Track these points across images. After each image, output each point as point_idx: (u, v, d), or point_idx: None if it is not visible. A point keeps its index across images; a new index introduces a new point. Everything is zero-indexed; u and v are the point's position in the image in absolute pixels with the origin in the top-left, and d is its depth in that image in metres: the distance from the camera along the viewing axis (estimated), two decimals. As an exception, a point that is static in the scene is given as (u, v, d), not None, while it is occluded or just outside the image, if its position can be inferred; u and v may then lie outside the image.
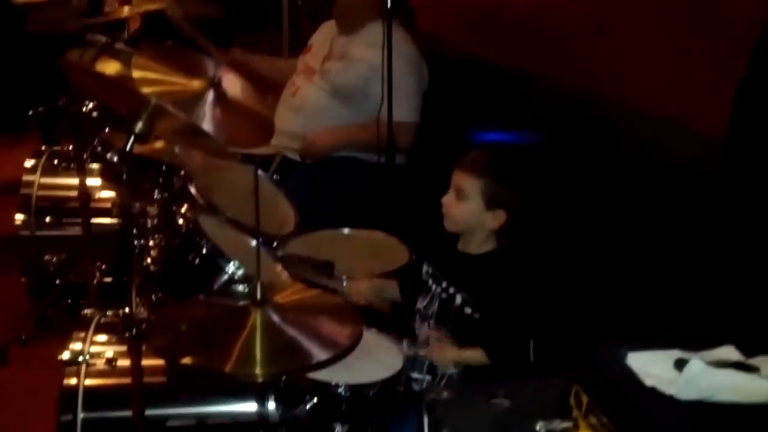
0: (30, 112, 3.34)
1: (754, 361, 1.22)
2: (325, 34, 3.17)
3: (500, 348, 1.82)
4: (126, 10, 3.28)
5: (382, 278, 2.12)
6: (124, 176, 1.56)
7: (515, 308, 1.83)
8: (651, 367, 1.20)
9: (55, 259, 2.90)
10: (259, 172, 1.77)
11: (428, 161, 2.80)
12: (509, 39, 2.93)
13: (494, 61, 2.95)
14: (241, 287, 1.79)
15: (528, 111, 2.66)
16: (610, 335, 1.38)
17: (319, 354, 1.44)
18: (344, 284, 2.07)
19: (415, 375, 1.90)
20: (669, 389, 1.15)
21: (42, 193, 2.97)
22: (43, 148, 3.22)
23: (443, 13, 3.62)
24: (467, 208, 1.89)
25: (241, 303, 1.56)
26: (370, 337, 1.84)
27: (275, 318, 1.51)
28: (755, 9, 1.62)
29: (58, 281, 2.90)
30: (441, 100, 3.06)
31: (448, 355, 1.85)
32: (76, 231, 2.87)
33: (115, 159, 2.68)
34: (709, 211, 1.70)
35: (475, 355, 1.84)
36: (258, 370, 1.40)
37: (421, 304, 1.98)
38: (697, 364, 1.16)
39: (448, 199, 1.93)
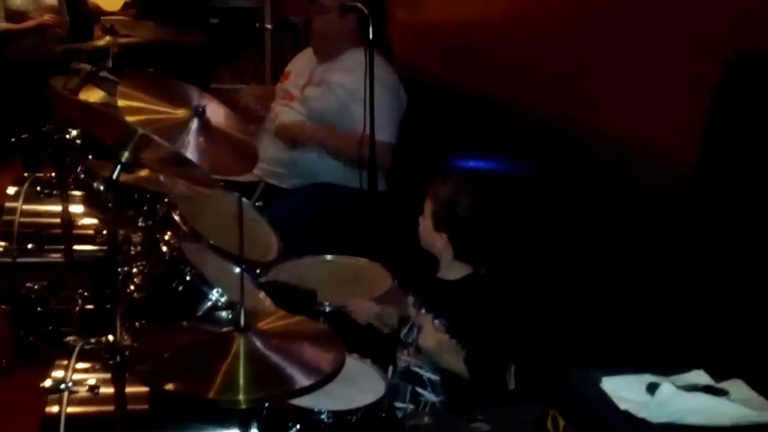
0: (13, 140, 3.34)
1: (723, 384, 1.26)
2: (303, 62, 3.22)
3: (478, 372, 1.84)
4: (107, 39, 3.32)
5: (385, 304, 2.14)
6: (110, 204, 1.57)
7: (491, 333, 1.86)
8: (624, 391, 1.24)
9: (36, 286, 2.89)
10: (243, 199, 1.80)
11: (408, 187, 2.84)
12: (484, 66, 2.99)
13: (471, 87, 3.01)
14: (224, 314, 1.80)
15: (505, 137, 2.72)
16: (584, 360, 1.41)
17: (302, 380, 1.45)
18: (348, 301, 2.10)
19: (398, 404, 1.92)
20: (641, 412, 1.19)
21: (24, 219, 2.97)
22: (26, 175, 3.22)
23: (420, 41, 3.68)
24: (424, 227, 1.99)
25: (225, 330, 1.57)
26: (353, 363, 1.86)
27: (258, 344, 1.53)
28: (725, 40, 1.67)
29: (39, 308, 2.89)
30: (420, 126, 3.11)
31: (435, 336, 1.84)
32: (58, 258, 2.88)
33: (101, 187, 2.70)
34: (681, 237, 1.75)
35: (454, 356, 1.84)
36: (241, 397, 1.40)
37: (402, 333, 2.00)
38: (668, 387, 1.20)
39: (420, 217, 2.01)
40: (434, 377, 1.92)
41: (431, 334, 1.85)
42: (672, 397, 1.19)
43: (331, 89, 2.95)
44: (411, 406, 1.92)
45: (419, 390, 1.92)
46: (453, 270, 1.98)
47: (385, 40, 3.43)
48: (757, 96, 1.53)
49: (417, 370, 1.95)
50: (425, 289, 2.00)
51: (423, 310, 1.95)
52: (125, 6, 5.35)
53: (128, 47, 3.31)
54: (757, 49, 1.56)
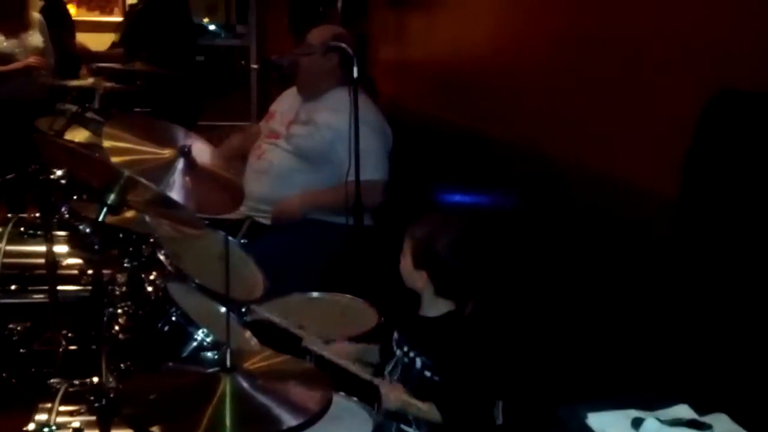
0: (-2, 180, 3.34)
1: (707, 418, 1.27)
2: (288, 101, 3.26)
3: (458, 410, 1.84)
4: (93, 80, 3.35)
5: (361, 342, 2.14)
6: (96, 247, 1.58)
7: (472, 370, 1.86)
8: (610, 426, 1.25)
9: (19, 327, 2.84)
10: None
11: (394, 223, 2.86)
12: (467, 103, 3.04)
13: (453, 123, 3.05)
14: (210, 354, 1.79)
15: (488, 172, 2.75)
16: (570, 394, 1.42)
17: (289, 420, 1.45)
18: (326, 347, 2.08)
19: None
20: (627, 448, 1.20)
21: (7, 260, 2.94)
22: (9, 215, 3.21)
23: (402, 79, 3.74)
24: (404, 265, 1.97)
25: (211, 370, 1.57)
26: (340, 401, 1.85)
27: (245, 385, 1.52)
28: (706, 75, 1.72)
29: (22, 350, 2.85)
30: (404, 162, 3.14)
31: (397, 394, 1.84)
32: (41, 299, 2.85)
33: (87, 229, 2.69)
34: (663, 272, 1.77)
35: (424, 407, 1.83)
36: (228, 438, 1.40)
37: (386, 370, 2.00)
38: (652, 423, 1.21)
39: (401, 254, 2.00)
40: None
41: (393, 396, 1.85)
42: (657, 432, 1.20)
43: (318, 129, 2.98)
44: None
45: (404, 427, 1.91)
46: (435, 307, 1.98)
47: (369, 79, 3.48)
48: (737, 132, 1.56)
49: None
50: (408, 326, 2.00)
51: (386, 373, 1.97)
52: (112, 45, 5.41)
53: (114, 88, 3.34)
54: (738, 87, 1.60)
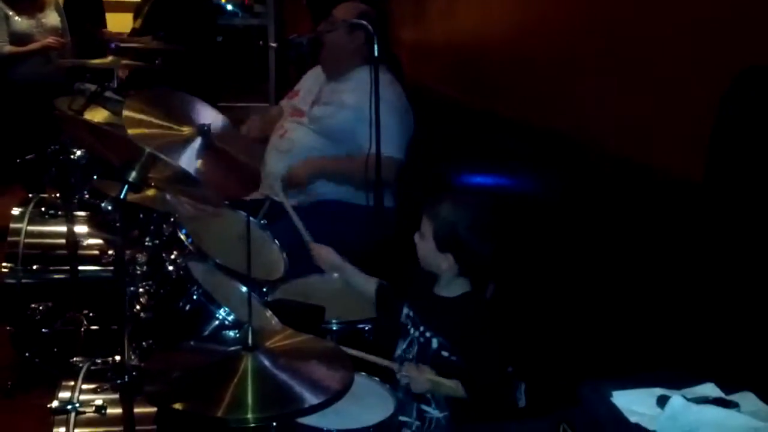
0: (18, 161, 3.36)
1: (734, 397, 1.26)
2: (311, 79, 3.24)
3: (478, 388, 1.83)
4: (111, 59, 3.35)
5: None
6: (118, 225, 1.58)
7: (494, 350, 1.85)
8: (635, 404, 1.24)
9: (41, 307, 2.88)
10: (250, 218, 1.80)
11: (416, 204, 2.85)
12: (488, 85, 3.01)
13: (475, 105, 3.02)
14: (231, 333, 1.80)
15: (510, 155, 2.73)
16: (593, 375, 1.41)
17: (311, 399, 1.45)
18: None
19: (404, 419, 1.91)
20: (652, 426, 1.19)
21: (29, 240, 2.97)
22: (30, 196, 3.24)
23: (423, 60, 3.71)
24: (425, 248, 1.93)
25: (233, 349, 1.57)
26: (361, 381, 1.85)
27: (266, 363, 1.53)
28: (728, 57, 1.68)
29: (44, 330, 2.88)
30: (425, 143, 3.12)
31: (425, 375, 1.83)
32: (63, 279, 2.88)
33: (108, 207, 2.70)
34: (688, 250, 1.75)
35: (451, 384, 1.82)
36: (250, 416, 1.40)
37: (400, 349, 1.99)
38: (678, 400, 1.20)
39: (416, 238, 1.97)
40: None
41: (421, 380, 1.84)
42: (682, 409, 1.19)
43: (341, 109, 2.97)
44: (417, 423, 1.91)
45: (424, 407, 1.91)
46: (452, 287, 1.97)
47: (395, 59, 3.44)
48: (764, 108, 1.53)
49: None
50: (422, 305, 1.99)
51: (399, 351, 1.97)
52: (132, 32, 5.39)
53: (134, 69, 3.35)
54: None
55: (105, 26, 5.45)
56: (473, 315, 1.90)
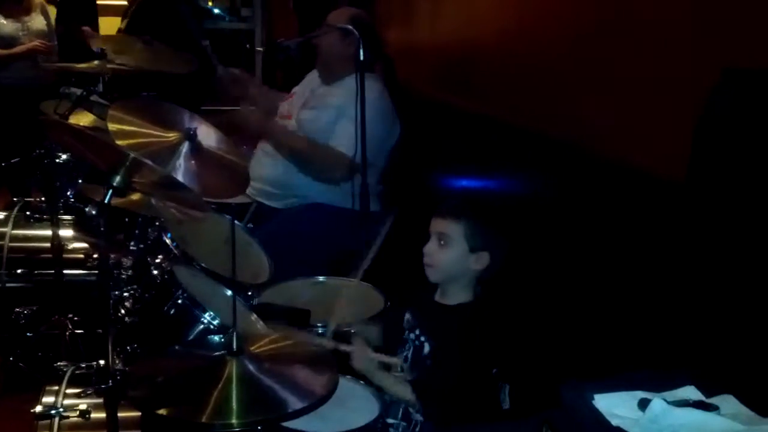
0: (2, 164, 3.34)
1: (714, 400, 1.27)
2: (308, 82, 3.25)
3: (428, 393, 1.83)
4: (97, 64, 3.33)
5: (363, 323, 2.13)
6: (102, 229, 1.58)
7: (456, 360, 1.85)
8: (616, 407, 1.25)
9: (26, 311, 2.86)
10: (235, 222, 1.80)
11: (404, 208, 2.85)
12: (476, 87, 3.02)
13: (462, 108, 3.03)
14: (216, 337, 1.80)
15: (499, 158, 2.74)
16: (576, 377, 1.42)
17: (295, 403, 1.45)
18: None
19: (390, 420, 1.92)
20: (633, 428, 1.20)
21: (14, 244, 2.95)
22: (15, 199, 3.22)
23: (410, 62, 3.72)
24: (451, 254, 1.90)
25: (217, 354, 1.57)
26: (346, 384, 1.86)
27: (251, 368, 1.53)
28: (710, 58, 1.70)
29: (29, 334, 2.87)
30: (411, 147, 3.13)
31: (367, 353, 1.85)
32: (48, 282, 2.87)
33: (93, 212, 2.69)
34: (671, 252, 1.76)
35: (390, 381, 1.84)
36: (234, 421, 1.40)
37: (401, 353, 2.00)
38: (659, 403, 1.21)
39: (431, 248, 1.93)
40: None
41: (362, 356, 1.85)
42: (663, 412, 1.20)
43: (323, 111, 2.97)
44: (403, 424, 1.91)
45: (410, 410, 1.92)
46: (459, 295, 1.96)
47: (389, 61, 3.43)
48: (746, 111, 1.55)
49: None
50: (422, 311, 1.99)
51: (400, 356, 1.96)
52: (118, 32, 5.37)
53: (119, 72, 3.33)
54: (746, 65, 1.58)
55: (97, 29, 5.43)
56: (465, 325, 1.90)
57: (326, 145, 2.81)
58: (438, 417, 1.84)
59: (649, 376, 1.33)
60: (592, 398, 1.27)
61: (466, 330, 1.88)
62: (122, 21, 5.18)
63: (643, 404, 1.22)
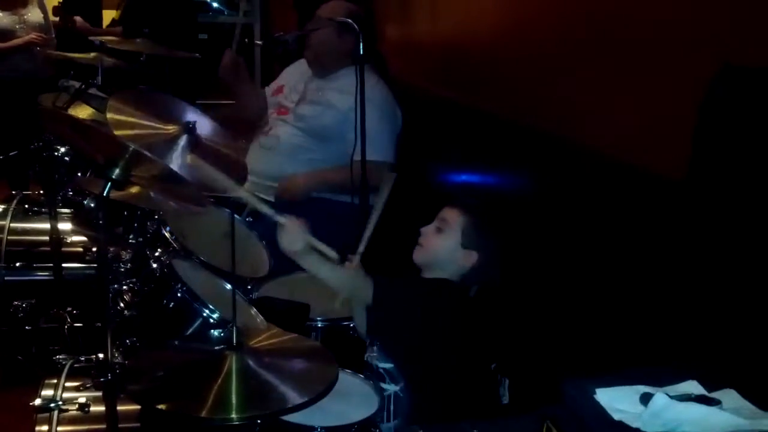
0: (1, 157, 3.33)
1: (716, 394, 1.26)
2: (295, 75, 3.22)
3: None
4: (95, 55, 3.32)
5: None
6: (101, 222, 1.57)
7: (479, 344, 1.86)
8: (618, 401, 1.24)
9: (25, 304, 2.85)
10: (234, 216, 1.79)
11: (399, 203, 2.85)
12: (474, 82, 3.01)
13: (461, 103, 3.02)
14: (216, 332, 1.79)
15: (497, 153, 2.73)
16: (577, 372, 1.42)
17: (295, 397, 1.45)
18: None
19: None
20: (635, 423, 1.19)
21: (12, 237, 2.95)
22: (13, 192, 3.21)
23: (409, 57, 3.71)
24: (444, 242, 1.95)
25: (217, 348, 1.57)
26: (345, 378, 1.85)
27: (251, 362, 1.52)
28: (710, 54, 1.69)
29: (28, 327, 2.86)
30: (409, 141, 3.12)
31: (302, 234, 1.80)
32: (46, 276, 2.86)
33: (91, 205, 2.68)
34: (672, 250, 1.76)
35: (333, 264, 1.80)
36: (234, 415, 1.40)
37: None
38: (661, 398, 1.20)
39: (428, 230, 1.99)
40: (387, 365, 1.91)
41: (294, 236, 1.76)
42: (665, 407, 1.20)
43: (328, 109, 2.96)
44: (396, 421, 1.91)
45: (382, 385, 1.91)
46: (434, 273, 1.98)
47: (381, 59, 3.43)
48: (744, 108, 1.54)
49: (374, 363, 1.93)
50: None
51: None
52: (111, 23, 5.37)
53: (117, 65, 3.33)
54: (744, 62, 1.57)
55: (100, 24, 5.42)
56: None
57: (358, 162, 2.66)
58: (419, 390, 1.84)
59: (651, 371, 1.32)
60: (594, 392, 1.26)
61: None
62: (117, 10, 5.18)
63: (645, 398, 1.22)
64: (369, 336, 1.95)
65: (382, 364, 1.91)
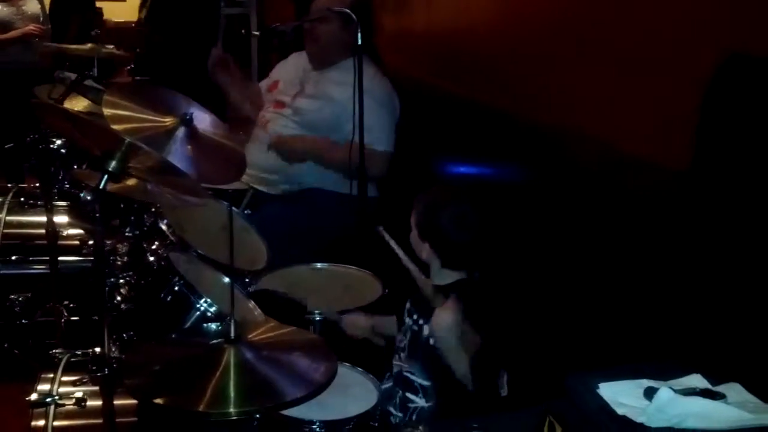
0: (-3, 149, 3.31)
1: (721, 388, 1.26)
2: (291, 69, 3.20)
3: (480, 379, 1.82)
4: (91, 47, 3.30)
5: (378, 315, 2.14)
6: (97, 215, 1.55)
7: (484, 339, 1.84)
8: (622, 396, 1.23)
9: (21, 298, 2.84)
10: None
11: (398, 194, 2.83)
12: (471, 73, 3.00)
13: (458, 94, 3.01)
14: (214, 325, 1.78)
15: (494, 144, 2.72)
16: (579, 365, 1.40)
17: (294, 391, 1.43)
18: (342, 318, 2.09)
19: (390, 409, 1.91)
20: (639, 417, 1.18)
21: (8, 231, 2.92)
22: (9, 185, 3.19)
23: (406, 49, 3.69)
24: (412, 237, 1.95)
25: (215, 341, 1.55)
26: (344, 372, 1.84)
27: (249, 356, 1.51)
28: (714, 44, 1.68)
29: (24, 321, 2.84)
30: (408, 132, 3.10)
31: (359, 323, 1.88)
32: (42, 269, 2.84)
33: (88, 197, 2.66)
34: (675, 241, 1.74)
35: (389, 322, 1.83)
36: (232, 409, 1.38)
37: (398, 339, 1.99)
38: (666, 392, 1.19)
39: (411, 224, 1.97)
40: (425, 383, 1.90)
41: (358, 324, 1.83)
42: (670, 401, 1.19)
43: (326, 102, 2.94)
44: (399, 414, 1.90)
45: (409, 395, 1.90)
46: (443, 276, 1.96)
47: (373, 47, 3.41)
48: (749, 97, 1.52)
49: (408, 375, 1.93)
50: (418, 294, 1.98)
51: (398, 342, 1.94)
52: (137, 23, 5.32)
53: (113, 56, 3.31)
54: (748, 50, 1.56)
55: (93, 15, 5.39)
56: (465, 302, 1.89)
57: (368, 148, 2.68)
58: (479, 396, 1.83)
59: (655, 365, 1.31)
60: (597, 387, 1.25)
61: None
62: (140, 11, 5.13)
63: (649, 393, 1.21)
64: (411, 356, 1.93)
65: (419, 380, 1.90)
